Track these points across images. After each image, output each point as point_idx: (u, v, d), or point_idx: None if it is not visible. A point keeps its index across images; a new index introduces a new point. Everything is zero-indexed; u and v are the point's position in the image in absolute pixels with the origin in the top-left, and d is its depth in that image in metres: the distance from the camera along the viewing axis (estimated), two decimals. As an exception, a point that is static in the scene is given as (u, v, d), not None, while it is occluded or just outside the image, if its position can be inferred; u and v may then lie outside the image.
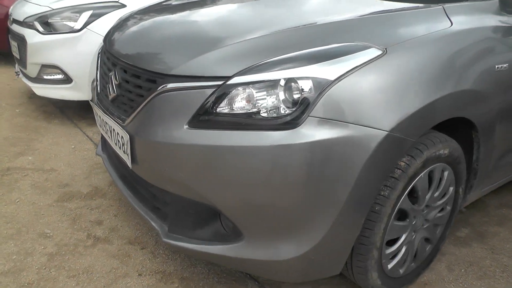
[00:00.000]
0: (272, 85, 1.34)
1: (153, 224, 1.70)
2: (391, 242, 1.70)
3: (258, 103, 1.35)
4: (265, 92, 1.35)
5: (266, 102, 1.35)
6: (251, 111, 1.36)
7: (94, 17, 3.30)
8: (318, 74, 1.31)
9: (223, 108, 1.39)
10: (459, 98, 1.57)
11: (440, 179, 1.75)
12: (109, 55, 1.88)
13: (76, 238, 2.11)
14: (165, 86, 1.48)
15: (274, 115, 1.34)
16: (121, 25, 2.09)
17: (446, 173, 1.76)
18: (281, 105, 1.34)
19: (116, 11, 3.31)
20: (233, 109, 1.38)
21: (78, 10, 3.28)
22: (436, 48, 1.51)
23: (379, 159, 1.38)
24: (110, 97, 1.78)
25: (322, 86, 1.30)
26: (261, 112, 1.35)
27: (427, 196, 1.72)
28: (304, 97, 1.31)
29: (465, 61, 1.59)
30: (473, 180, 1.98)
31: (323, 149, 1.29)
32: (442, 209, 1.88)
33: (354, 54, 1.36)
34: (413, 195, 1.66)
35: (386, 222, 1.56)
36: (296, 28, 1.52)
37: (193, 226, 1.59)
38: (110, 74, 1.79)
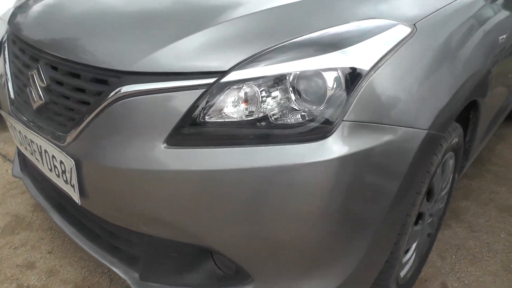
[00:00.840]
0: (284, 80, 0.99)
1: (116, 270, 1.28)
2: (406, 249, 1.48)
3: (267, 106, 0.99)
4: (275, 91, 0.99)
5: (278, 104, 0.99)
6: (256, 117, 0.99)
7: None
8: (348, 62, 0.98)
9: (216, 115, 1.00)
10: (477, 78, 1.35)
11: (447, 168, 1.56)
12: (23, 46, 1.36)
13: (2, 294, 1.59)
14: (124, 88, 1.04)
15: (292, 122, 0.98)
16: None
17: (451, 161, 1.56)
18: (300, 107, 0.99)
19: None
20: (231, 117, 1.00)
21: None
22: (456, 23, 1.26)
23: (418, 164, 1.11)
24: (35, 106, 1.28)
25: (356, 79, 0.97)
26: (271, 118, 0.99)
27: (438, 190, 1.52)
28: (332, 95, 0.97)
29: (480, 35, 1.37)
30: (465, 162, 1.83)
31: (362, 162, 0.98)
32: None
33: (381, 34, 1.05)
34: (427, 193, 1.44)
35: (409, 232, 1.32)
36: (293, 2, 1.15)
37: (177, 270, 1.20)
38: (31, 72, 1.28)
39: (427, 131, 1.08)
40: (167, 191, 1.02)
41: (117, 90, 1.05)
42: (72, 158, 1.14)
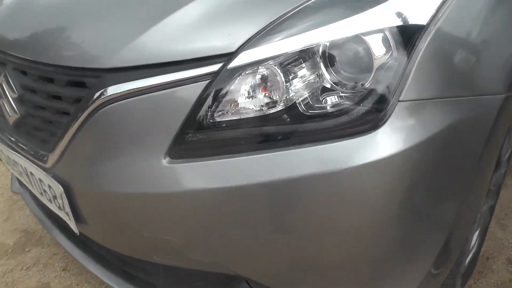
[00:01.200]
0: (313, 54, 0.73)
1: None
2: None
3: (293, 91, 0.75)
4: (302, 70, 0.74)
5: (308, 86, 0.75)
6: (282, 108, 0.75)
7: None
8: (398, 19, 0.71)
9: (228, 112, 0.76)
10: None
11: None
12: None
13: (18, 327, 1.44)
14: (105, 90, 0.81)
15: (330, 110, 0.74)
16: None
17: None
18: (338, 88, 0.74)
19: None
20: (248, 111, 0.76)
21: None
22: None
23: (493, 137, 0.86)
24: (11, 121, 1.06)
25: (412, 40, 0.71)
26: (302, 107, 0.75)
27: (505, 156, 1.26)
28: (381, 66, 0.71)
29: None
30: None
31: (429, 154, 0.73)
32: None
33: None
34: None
35: (478, 220, 1.08)
36: None
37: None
38: (-2, 81, 1.05)
39: (504, 95, 0.82)
40: (177, 216, 0.80)
41: (98, 93, 0.82)
42: (60, 183, 0.92)
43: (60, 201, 0.97)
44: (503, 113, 0.86)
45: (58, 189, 0.93)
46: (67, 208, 0.95)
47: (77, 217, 0.96)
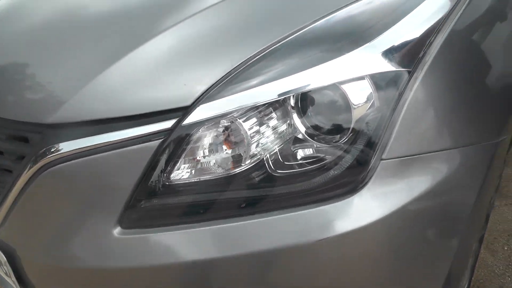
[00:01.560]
0: (284, 104, 0.64)
1: None
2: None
3: (261, 147, 0.65)
4: (271, 121, 0.65)
5: (279, 138, 0.66)
6: (248, 166, 0.65)
7: None
8: (381, 63, 0.62)
9: (186, 174, 0.66)
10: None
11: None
12: None
13: None
14: (51, 148, 0.70)
15: (302, 169, 0.64)
16: None
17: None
18: (311, 145, 0.65)
19: None
20: (209, 171, 0.66)
21: None
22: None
23: (490, 178, 0.78)
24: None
25: (396, 88, 0.62)
26: (270, 164, 0.65)
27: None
28: (361, 119, 0.62)
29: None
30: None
31: (417, 214, 0.64)
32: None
33: (425, 2, 0.68)
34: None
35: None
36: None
37: None
38: None
39: (497, 140, 0.74)
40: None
41: (41, 151, 0.71)
42: (3, 251, 0.81)
43: (5, 267, 0.86)
44: (495, 158, 0.78)
45: (2, 257, 0.82)
46: (13, 277, 0.84)
47: (24, 286, 0.85)
